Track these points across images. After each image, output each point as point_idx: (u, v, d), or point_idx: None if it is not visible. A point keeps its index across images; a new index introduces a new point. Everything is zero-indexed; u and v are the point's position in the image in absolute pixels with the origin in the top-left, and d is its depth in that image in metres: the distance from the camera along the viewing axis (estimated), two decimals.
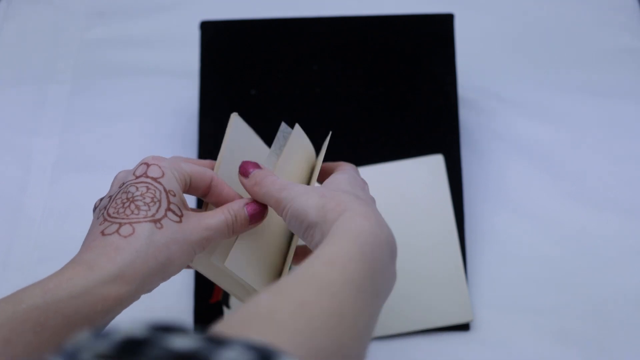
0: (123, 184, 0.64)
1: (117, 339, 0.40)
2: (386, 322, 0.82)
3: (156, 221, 0.61)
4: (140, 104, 1.01)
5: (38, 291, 0.58)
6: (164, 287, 0.71)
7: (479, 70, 1.02)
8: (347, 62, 0.95)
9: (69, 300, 0.57)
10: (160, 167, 0.64)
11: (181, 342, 0.39)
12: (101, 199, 0.66)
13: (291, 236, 0.75)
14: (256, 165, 0.67)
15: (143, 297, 0.72)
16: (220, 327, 0.48)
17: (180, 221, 0.63)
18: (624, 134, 0.96)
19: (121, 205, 0.62)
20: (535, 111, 0.98)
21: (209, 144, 0.92)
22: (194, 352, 0.39)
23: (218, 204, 0.68)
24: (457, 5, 1.01)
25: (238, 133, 0.72)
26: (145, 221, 0.61)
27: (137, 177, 0.64)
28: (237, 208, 0.66)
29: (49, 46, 1.06)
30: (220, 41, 0.97)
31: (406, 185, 0.87)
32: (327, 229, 0.60)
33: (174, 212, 0.63)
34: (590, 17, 1.06)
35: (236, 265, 0.67)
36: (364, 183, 0.68)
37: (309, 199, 0.62)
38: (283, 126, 0.72)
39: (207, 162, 0.71)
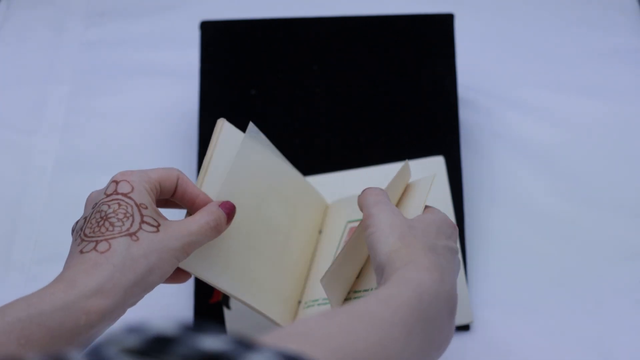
0: (96, 204, 0.66)
1: (148, 335, 0.40)
2: None
3: (132, 234, 0.63)
4: (140, 104, 1.01)
5: (22, 305, 0.59)
6: (164, 287, 0.71)
7: (479, 70, 1.02)
8: (347, 62, 0.95)
9: (52, 314, 0.59)
10: (129, 182, 0.66)
11: (211, 343, 0.40)
12: (77, 222, 0.67)
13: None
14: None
15: (144, 297, 0.72)
16: (263, 338, 0.48)
17: (158, 230, 0.64)
18: (623, 134, 0.96)
19: (96, 224, 0.64)
20: (535, 111, 0.98)
21: (209, 144, 0.92)
22: (223, 353, 0.39)
23: (184, 200, 0.70)
24: (457, 5, 1.01)
25: (228, 141, 0.73)
26: (121, 236, 0.63)
27: (107, 196, 0.65)
28: (215, 209, 0.68)
29: (49, 46, 1.06)
30: (220, 41, 0.97)
31: None
32: (391, 274, 0.61)
33: (148, 224, 0.64)
34: (590, 17, 1.06)
35: (329, 287, 0.69)
36: (454, 229, 0.68)
37: (387, 237, 0.64)
38: None
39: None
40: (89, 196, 0.68)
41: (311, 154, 0.92)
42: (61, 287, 0.60)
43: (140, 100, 1.01)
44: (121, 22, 1.09)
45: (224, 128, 0.73)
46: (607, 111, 0.98)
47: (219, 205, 0.69)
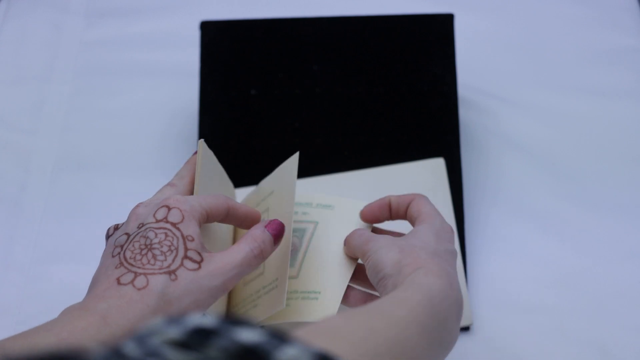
0: (142, 224, 0.64)
1: (189, 326, 0.41)
2: None
3: (171, 272, 0.61)
4: (140, 104, 1.01)
5: (52, 339, 0.57)
6: None
7: (479, 70, 1.02)
8: (347, 62, 0.95)
9: None
10: (181, 210, 0.64)
11: (247, 335, 0.41)
12: (115, 227, 0.66)
13: None
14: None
15: None
16: (294, 333, 0.49)
17: (199, 267, 0.62)
18: (624, 134, 0.96)
19: (139, 251, 0.62)
20: (535, 111, 0.98)
21: (209, 144, 0.92)
22: (259, 345, 0.41)
23: (238, 224, 0.69)
24: (457, 5, 1.01)
25: (207, 160, 0.72)
26: (160, 273, 0.61)
27: (157, 221, 0.63)
28: (260, 234, 0.66)
29: (49, 46, 1.06)
30: (220, 41, 0.97)
31: (407, 188, 0.87)
32: (401, 281, 0.63)
33: (191, 259, 0.62)
34: (590, 17, 1.06)
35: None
36: (451, 232, 0.70)
37: (388, 252, 0.66)
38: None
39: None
40: (136, 209, 0.66)
41: (311, 154, 0.92)
42: (94, 322, 0.58)
43: (140, 100, 1.01)
44: (121, 22, 1.09)
45: (202, 150, 0.71)
46: (607, 111, 0.98)
47: (265, 227, 0.67)
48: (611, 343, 0.81)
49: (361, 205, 0.75)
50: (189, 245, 0.63)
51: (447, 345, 0.63)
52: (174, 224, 0.63)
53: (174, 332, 0.41)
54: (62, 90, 1.02)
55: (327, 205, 0.77)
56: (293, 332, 0.51)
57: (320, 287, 0.72)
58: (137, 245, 0.63)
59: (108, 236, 0.66)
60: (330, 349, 0.44)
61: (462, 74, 0.95)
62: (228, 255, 0.64)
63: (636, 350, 0.81)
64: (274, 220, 0.67)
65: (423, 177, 0.88)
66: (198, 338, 0.41)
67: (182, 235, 0.63)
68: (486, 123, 0.97)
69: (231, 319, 0.42)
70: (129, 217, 0.66)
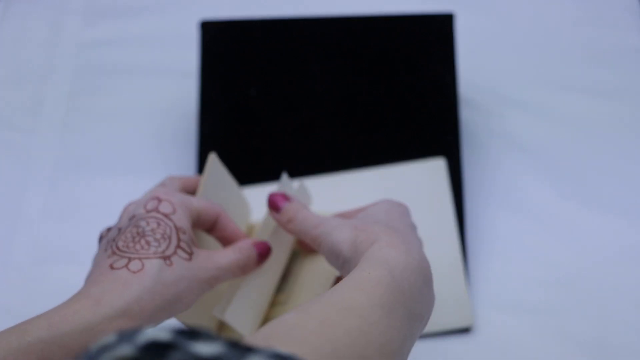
0: (134, 216, 0.64)
1: (142, 341, 0.39)
2: None
3: (166, 258, 0.61)
4: (140, 104, 1.01)
5: (44, 323, 0.57)
6: None
7: (479, 70, 1.02)
8: (347, 62, 0.95)
9: (75, 335, 0.57)
10: (172, 203, 0.64)
11: (205, 348, 0.39)
12: (108, 229, 0.66)
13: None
14: (285, 198, 0.68)
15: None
16: (249, 339, 0.48)
17: (190, 259, 0.63)
18: (624, 134, 0.96)
19: (131, 239, 0.62)
20: (536, 111, 0.98)
21: (209, 144, 0.92)
22: (218, 358, 0.39)
23: (222, 239, 0.69)
24: (457, 5, 1.01)
25: (215, 174, 0.72)
26: (155, 257, 0.61)
27: (148, 212, 0.64)
28: (247, 248, 0.67)
29: (48, 46, 1.06)
30: (220, 41, 0.97)
31: (407, 189, 0.87)
32: (358, 260, 0.60)
33: (183, 250, 0.63)
34: (590, 17, 1.06)
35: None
36: (403, 208, 0.68)
37: (341, 233, 0.63)
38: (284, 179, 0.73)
39: (194, 179, 0.72)
40: (127, 207, 0.66)
41: (311, 154, 0.92)
42: (87, 304, 0.58)
43: (139, 100, 1.01)
44: (120, 21, 1.09)
45: (210, 163, 0.71)
46: (608, 111, 0.98)
47: (253, 244, 0.68)
48: (611, 343, 0.81)
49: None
50: (182, 237, 0.63)
51: (421, 315, 0.60)
52: (165, 215, 0.63)
53: (125, 350, 0.39)
54: (61, 90, 1.02)
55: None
56: (251, 335, 0.50)
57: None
58: (129, 235, 0.62)
59: (101, 238, 0.66)
60: (289, 350, 0.43)
61: (462, 73, 0.95)
62: (215, 255, 0.65)
63: (636, 350, 0.80)
64: (264, 242, 0.69)
65: (423, 177, 0.88)
66: (152, 354, 0.38)
67: (175, 226, 0.63)
68: (487, 123, 0.97)
69: (188, 330, 0.40)
70: (120, 215, 0.66)
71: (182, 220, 0.64)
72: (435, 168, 0.88)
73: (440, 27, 0.95)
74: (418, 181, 0.88)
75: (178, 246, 0.62)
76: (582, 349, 0.80)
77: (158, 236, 0.62)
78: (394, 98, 0.93)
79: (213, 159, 0.72)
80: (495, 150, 0.95)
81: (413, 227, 0.67)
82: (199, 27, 0.96)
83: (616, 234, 0.88)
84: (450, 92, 0.93)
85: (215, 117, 0.94)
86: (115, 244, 0.62)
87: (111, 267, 0.61)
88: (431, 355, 0.81)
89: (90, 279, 0.62)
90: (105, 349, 0.39)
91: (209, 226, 0.68)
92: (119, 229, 0.64)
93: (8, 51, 1.07)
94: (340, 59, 0.95)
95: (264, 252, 0.68)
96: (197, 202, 0.66)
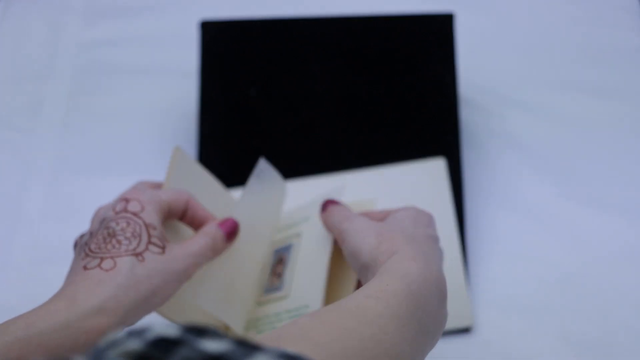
0: (104, 219, 0.65)
1: (150, 337, 0.40)
2: None
3: (138, 254, 0.63)
4: (140, 104, 1.01)
5: (21, 324, 0.58)
6: None
7: (479, 70, 1.02)
8: (347, 62, 0.95)
9: (52, 334, 0.58)
10: (139, 201, 0.66)
11: (213, 345, 0.39)
12: (81, 236, 0.67)
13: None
14: (335, 203, 0.71)
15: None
16: (260, 339, 0.48)
17: (163, 252, 0.64)
18: (624, 134, 0.96)
19: (102, 240, 0.63)
20: (536, 111, 0.98)
21: (209, 144, 0.92)
22: (225, 355, 0.39)
23: (194, 225, 0.70)
24: (457, 5, 1.01)
25: (182, 166, 0.73)
26: (127, 255, 0.62)
27: (117, 213, 0.65)
28: (213, 230, 0.68)
29: (48, 46, 1.06)
30: (220, 41, 0.97)
31: (407, 189, 0.87)
32: (377, 269, 0.62)
33: (155, 245, 0.64)
34: (590, 17, 1.06)
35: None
36: (429, 217, 0.69)
37: (365, 238, 0.64)
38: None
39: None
40: (97, 211, 0.68)
41: (311, 154, 0.92)
42: (62, 304, 0.59)
43: (139, 100, 1.01)
44: (120, 21, 1.09)
45: (177, 156, 0.72)
46: (608, 111, 0.98)
47: (218, 225, 0.69)
48: (611, 343, 0.81)
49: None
50: (152, 232, 0.64)
51: (433, 332, 0.60)
52: (134, 213, 0.65)
53: (134, 344, 0.39)
54: (61, 89, 1.02)
55: (305, 217, 0.76)
56: (263, 335, 0.51)
57: (307, 300, 0.71)
58: (100, 237, 0.64)
59: (75, 245, 0.67)
60: (301, 352, 0.43)
61: (462, 73, 0.95)
62: (186, 245, 0.66)
63: (636, 351, 0.80)
64: (229, 219, 0.70)
65: (424, 177, 0.88)
66: (160, 349, 0.39)
67: (145, 223, 0.64)
68: (487, 122, 0.97)
69: (196, 327, 0.41)
70: (92, 220, 0.67)
71: (152, 216, 0.65)
72: (435, 168, 0.88)
73: (440, 27, 0.95)
74: (418, 181, 0.88)
75: (149, 242, 0.64)
76: (581, 349, 0.80)
77: (128, 234, 0.63)
78: (394, 98, 0.93)
79: (178, 150, 0.72)
80: (495, 150, 0.95)
81: (436, 239, 0.67)
82: (199, 27, 0.96)
83: (616, 234, 0.88)
84: (450, 92, 0.92)
85: (215, 117, 0.94)
86: (88, 247, 0.63)
87: (85, 268, 0.62)
88: (431, 355, 0.81)
89: (66, 282, 0.63)
90: (114, 344, 0.39)
91: (181, 214, 0.69)
92: (91, 233, 0.65)
93: (8, 51, 1.07)
94: (340, 59, 0.95)
95: (230, 231, 0.69)
96: (165, 195, 0.67)
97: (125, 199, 0.66)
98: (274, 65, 0.95)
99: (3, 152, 0.97)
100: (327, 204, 0.71)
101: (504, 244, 0.88)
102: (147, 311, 0.63)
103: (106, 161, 0.96)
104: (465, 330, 0.82)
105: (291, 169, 0.85)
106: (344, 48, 0.96)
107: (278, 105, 0.94)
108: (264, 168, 0.76)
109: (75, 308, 0.59)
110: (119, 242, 0.63)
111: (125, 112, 1.00)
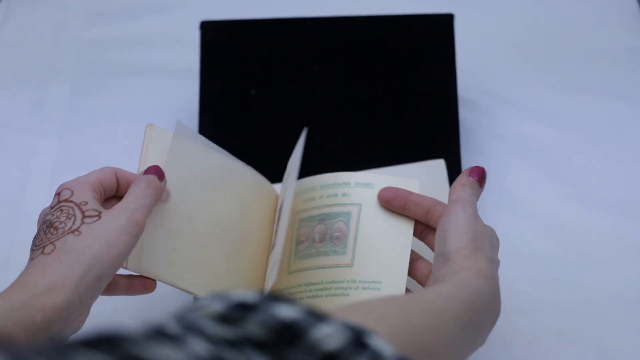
0: (44, 216, 0.68)
1: (232, 300, 0.44)
2: None
3: (74, 231, 0.65)
4: (140, 104, 1.01)
5: None
6: (163, 285, 0.71)
7: (480, 70, 1.02)
8: (347, 62, 0.95)
9: (7, 314, 0.61)
10: (68, 188, 0.68)
11: (286, 311, 0.43)
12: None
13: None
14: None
15: (143, 296, 0.72)
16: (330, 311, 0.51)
17: (99, 217, 0.65)
18: (624, 134, 0.96)
19: (43, 234, 0.66)
20: (535, 111, 0.98)
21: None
22: (296, 321, 0.43)
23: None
24: (457, 5, 1.01)
25: (159, 145, 0.73)
26: (64, 235, 0.64)
27: (52, 207, 0.67)
28: (142, 176, 0.69)
29: (49, 46, 1.06)
30: (220, 41, 0.97)
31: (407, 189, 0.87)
32: (454, 272, 0.65)
33: (90, 216, 0.66)
34: (590, 17, 1.06)
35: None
36: (498, 243, 0.71)
37: (462, 235, 0.67)
38: None
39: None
40: (39, 215, 0.69)
41: (311, 154, 0.92)
42: (14, 289, 0.62)
43: (140, 100, 1.01)
44: (121, 21, 1.09)
45: (153, 133, 0.73)
46: (607, 111, 0.98)
47: (142, 173, 0.70)
48: (611, 343, 0.81)
49: (398, 181, 0.77)
50: (84, 207, 0.66)
51: (475, 347, 0.64)
52: (66, 200, 0.67)
53: (217, 306, 0.43)
54: (62, 90, 1.02)
55: (367, 184, 0.77)
56: (334, 309, 0.53)
57: (381, 277, 0.73)
58: (41, 232, 0.66)
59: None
60: (368, 325, 0.46)
61: (462, 74, 0.95)
62: (123, 200, 0.67)
63: (636, 351, 0.80)
64: (149, 167, 0.71)
65: (423, 178, 0.88)
66: (238, 312, 0.43)
67: (76, 204, 0.66)
68: (487, 123, 0.97)
69: (273, 295, 0.44)
70: (37, 225, 0.69)
71: (82, 195, 0.67)
72: (435, 169, 0.88)
73: (440, 27, 0.95)
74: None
75: (84, 216, 0.65)
76: (581, 349, 0.80)
77: (63, 219, 0.65)
78: (393, 98, 0.93)
79: (153, 129, 0.73)
80: (495, 151, 0.95)
81: (498, 265, 0.69)
82: (199, 27, 0.97)
83: (616, 234, 0.88)
84: (450, 92, 0.93)
85: (215, 117, 0.94)
86: (33, 244, 0.66)
87: (31, 259, 0.65)
88: None
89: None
90: (198, 308, 0.44)
91: (116, 186, 0.71)
92: (36, 234, 0.67)
93: (9, 51, 1.07)
94: (340, 59, 0.95)
95: (156, 171, 0.70)
96: (91, 175, 0.69)
97: (57, 193, 0.68)
98: (274, 65, 0.95)
99: (3, 152, 0.97)
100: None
101: (503, 243, 0.88)
102: (101, 279, 0.64)
103: (107, 161, 0.96)
104: None
105: None
106: (344, 48, 0.96)
107: (278, 105, 0.94)
108: (183, 130, 0.75)
109: (26, 290, 0.62)
110: (55, 228, 0.65)
111: (125, 113, 1.00)
